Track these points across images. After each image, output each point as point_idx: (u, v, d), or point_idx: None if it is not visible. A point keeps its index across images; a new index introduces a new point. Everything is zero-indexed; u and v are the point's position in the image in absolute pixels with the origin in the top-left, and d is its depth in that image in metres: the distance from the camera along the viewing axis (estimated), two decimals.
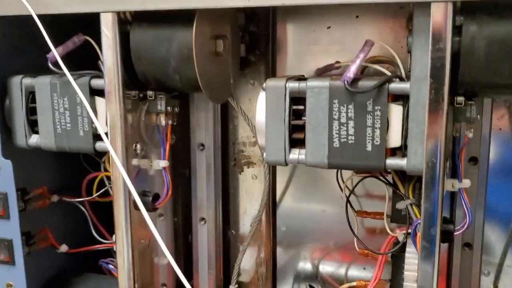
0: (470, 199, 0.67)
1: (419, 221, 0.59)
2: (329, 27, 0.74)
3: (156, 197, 0.69)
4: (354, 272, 0.82)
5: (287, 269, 0.85)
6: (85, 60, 0.67)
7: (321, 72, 0.67)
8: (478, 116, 0.55)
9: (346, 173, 0.72)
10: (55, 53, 0.61)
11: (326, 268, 0.84)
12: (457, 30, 0.51)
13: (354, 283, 0.73)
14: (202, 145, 0.77)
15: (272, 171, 0.79)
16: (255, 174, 0.80)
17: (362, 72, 0.63)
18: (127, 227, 0.65)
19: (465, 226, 0.57)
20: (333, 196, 0.79)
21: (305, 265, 0.85)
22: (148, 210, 0.68)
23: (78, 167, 0.79)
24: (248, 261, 0.84)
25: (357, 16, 0.73)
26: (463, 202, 0.58)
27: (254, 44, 0.74)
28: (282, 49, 0.77)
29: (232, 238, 0.84)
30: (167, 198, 0.69)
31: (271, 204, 0.80)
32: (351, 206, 0.73)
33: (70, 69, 0.66)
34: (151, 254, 0.75)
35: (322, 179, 0.81)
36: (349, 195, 0.69)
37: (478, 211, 0.67)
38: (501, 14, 0.49)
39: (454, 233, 0.57)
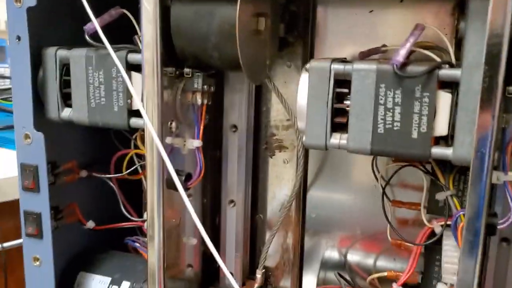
0: None
1: (461, 213, 0.58)
2: (371, 11, 0.72)
3: (189, 176, 0.68)
4: (384, 263, 0.81)
5: (314, 256, 0.84)
6: (120, 35, 0.66)
7: (365, 56, 0.65)
8: None
9: (382, 162, 0.70)
10: (96, 24, 0.59)
11: (354, 257, 0.82)
12: None
13: (385, 273, 0.71)
14: (235, 126, 0.75)
15: (304, 156, 0.77)
16: (286, 158, 0.78)
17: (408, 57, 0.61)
18: (159, 206, 0.64)
19: (510, 220, 0.56)
20: (366, 184, 0.77)
21: (333, 253, 0.83)
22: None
23: (108, 143, 0.78)
24: (274, 246, 0.83)
25: (401, 1, 0.70)
26: (508, 195, 0.56)
27: (293, 24, 0.72)
28: (321, 32, 0.75)
29: (260, 222, 0.83)
30: (200, 178, 0.68)
31: (302, 190, 0.79)
32: (386, 195, 0.71)
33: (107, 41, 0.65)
34: (179, 234, 0.74)
35: (355, 166, 0.79)
36: (386, 184, 0.67)
37: None
38: None
39: (498, 227, 0.55)
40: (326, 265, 0.83)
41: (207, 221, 0.80)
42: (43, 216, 0.72)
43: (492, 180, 0.57)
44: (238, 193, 0.77)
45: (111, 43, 0.64)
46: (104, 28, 0.64)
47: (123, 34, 0.66)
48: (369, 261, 0.81)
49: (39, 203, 0.72)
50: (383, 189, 0.67)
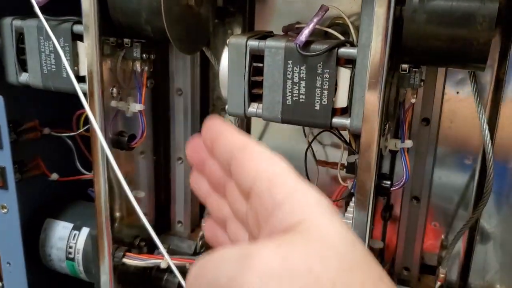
0: (421, 156, 0.72)
1: None
2: None
3: (132, 137, 0.75)
4: None
5: None
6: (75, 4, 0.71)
7: (287, 30, 0.70)
8: (422, 83, 0.58)
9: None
10: None
11: None
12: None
13: None
14: (180, 90, 0.82)
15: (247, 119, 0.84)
16: (231, 119, 0.85)
17: (326, 34, 0.67)
18: (104, 164, 0.72)
19: (402, 183, 0.63)
20: (302, 144, 0.84)
21: None
22: (124, 148, 0.75)
23: (69, 102, 0.85)
24: None
25: None
26: (402, 161, 0.63)
27: None
28: (262, 1, 0.79)
29: None
30: (142, 139, 0.75)
31: None
32: (313, 155, 0.79)
33: (58, 13, 0.71)
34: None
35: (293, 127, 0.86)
36: (308, 146, 0.74)
37: (427, 167, 0.72)
38: None
39: (391, 189, 0.62)
40: None
41: (160, 176, 0.88)
42: (7, 169, 0.80)
43: (390, 147, 0.64)
44: (185, 151, 0.84)
45: (68, 12, 0.70)
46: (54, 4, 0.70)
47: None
48: None
49: (3, 158, 0.80)
50: (306, 150, 0.74)
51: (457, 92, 0.72)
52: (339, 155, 0.80)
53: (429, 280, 0.79)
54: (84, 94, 0.75)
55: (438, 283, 0.74)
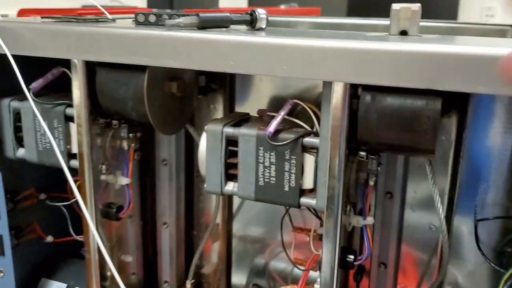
0: (386, 227, 0.78)
1: None
2: None
3: (120, 208, 0.81)
4: (299, 272, 0.94)
5: (242, 264, 0.97)
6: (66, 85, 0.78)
7: (261, 114, 0.76)
8: (379, 168, 0.65)
9: None
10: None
11: (276, 266, 0.96)
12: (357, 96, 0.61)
13: (288, 287, 0.85)
14: (165, 160, 0.88)
15: None
16: None
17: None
18: (94, 232, 0.78)
19: (364, 257, 0.68)
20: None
21: (259, 262, 0.97)
22: (112, 219, 0.81)
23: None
24: (209, 256, 0.97)
25: None
26: (365, 237, 0.68)
27: (215, 74, 0.84)
28: (242, 78, 0.86)
29: (195, 238, 0.97)
30: (129, 210, 0.81)
31: (228, 210, 0.92)
32: (290, 221, 0.84)
33: (52, 95, 0.78)
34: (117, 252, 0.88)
35: None
36: (284, 215, 0.80)
37: (392, 236, 0.78)
38: (391, 92, 0.59)
39: (355, 262, 0.68)
40: (252, 272, 0.97)
41: (147, 239, 0.94)
42: (4, 237, 0.86)
43: (354, 223, 0.70)
44: (170, 216, 0.91)
45: (57, 96, 0.77)
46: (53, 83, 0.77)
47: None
48: (288, 270, 0.95)
49: (0, 227, 0.86)
50: (282, 218, 0.80)
51: (419, 166, 0.78)
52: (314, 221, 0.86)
53: None
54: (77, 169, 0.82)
55: None
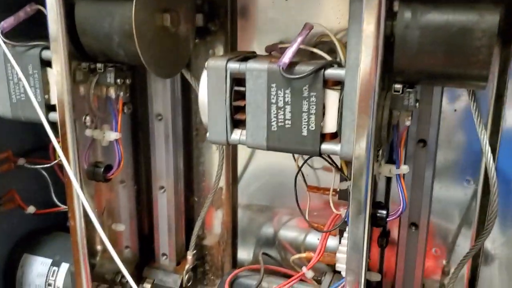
0: (417, 181, 0.67)
1: None
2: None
3: (109, 168, 0.70)
4: (313, 239, 0.84)
5: (248, 234, 0.87)
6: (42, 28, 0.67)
7: (270, 50, 0.66)
8: (417, 103, 0.54)
9: None
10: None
11: (286, 235, 0.85)
12: (392, 15, 0.50)
13: (304, 254, 0.74)
14: (160, 115, 0.77)
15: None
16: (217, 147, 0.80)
17: (312, 54, 0.62)
18: (78, 197, 0.67)
19: (399, 212, 0.58)
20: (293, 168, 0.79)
21: (266, 231, 0.86)
22: (100, 180, 0.70)
23: (45, 131, 0.80)
24: (211, 226, 0.87)
25: None
26: (398, 188, 0.58)
27: (213, 14, 0.73)
28: (244, 19, 0.75)
29: (196, 205, 0.86)
30: (119, 169, 0.70)
31: (232, 172, 0.81)
32: (304, 180, 0.74)
33: (25, 38, 0.67)
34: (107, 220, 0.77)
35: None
36: (297, 172, 0.69)
37: (426, 193, 0.67)
38: (436, 3, 0.48)
39: (388, 219, 0.57)
40: (259, 242, 0.87)
41: (141, 205, 0.83)
42: None
43: (384, 174, 0.60)
44: (168, 179, 0.80)
45: (35, 37, 0.65)
46: (26, 22, 0.66)
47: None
48: (300, 239, 0.84)
49: None
50: (296, 176, 0.69)
51: (455, 110, 0.67)
52: (331, 179, 0.76)
53: None
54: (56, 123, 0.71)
55: None
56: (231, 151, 0.80)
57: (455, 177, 0.69)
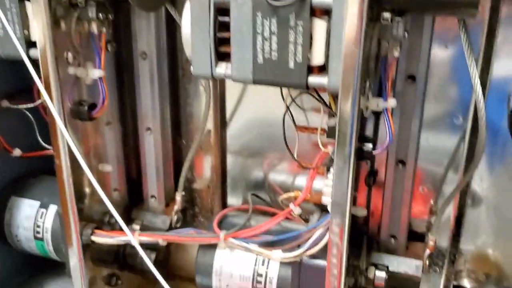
0: (405, 117, 0.67)
1: None
2: None
3: (93, 106, 0.69)
4: (302, 182, 0.84)
5: (237, 178, 0.87)
6: None
7: None
8: (406, 34, 0.52)
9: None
10: None
11: (276, 178, 0.85)
12: None
13: (292, 194, 0.74)
14: (145, 53, 0.75)
15: (221, 80, 0.78)
16: (203, 83, 0.79)
17: None
18: (63, 137, 0.66)
19: (385, 145, 0.57)
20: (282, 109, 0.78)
21: (256, 175, 0.86)
22: (84, 119, 0.69)
23: (28, 71, 0.79)
24: (201, 169, 0.87)
25: None
26: (385, 121, 0.57)
27: None
28: None
29: (184, 148, 0.85)
30: (104, 108, 0.69)
31: (220, 114, 0.80)
32: (292, 121, 0.73)
33: None
34: (94, 161, 0.76)
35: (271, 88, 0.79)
36: (286, 111, 0.69)
37: (413, 130, 0.67)
38: None
39: (373, 152, 0.57)
40: (249, 186, 0.87)
41: (128, 147, 0.82)
42: None
43: (372, 107, 0.59)
44: (154, 120, 0.79)
45: None
46: None
47: None
48: (289, 181, 0.84)
49: None
50: (284, 115, 0.68)
51: (446, 46, 0.66)
52: (320, 120, 0.75)
53: (417, 248, 0.74)
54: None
55: (427, 251, 0.70)
56: (219, 91, 0.78)
57: (444, 115, 0.69)
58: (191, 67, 0.58)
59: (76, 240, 0.73)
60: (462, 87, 0.67)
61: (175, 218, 0.80)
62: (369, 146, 0.57)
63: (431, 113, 0.69)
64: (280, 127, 0.72)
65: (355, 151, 0.55)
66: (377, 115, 0.69)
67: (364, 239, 0.74)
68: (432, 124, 0.70)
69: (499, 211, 0.74)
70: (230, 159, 0.86)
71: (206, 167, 0.86)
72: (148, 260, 0.65)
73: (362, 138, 0.57)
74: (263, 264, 0.71)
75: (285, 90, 0.71)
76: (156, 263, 0.82)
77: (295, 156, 0.73)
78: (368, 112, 0.58)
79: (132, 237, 0.68)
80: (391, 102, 0.58)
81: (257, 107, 0.81)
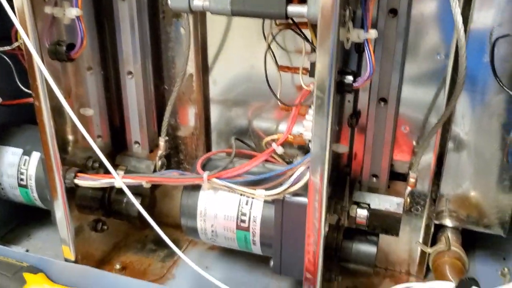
0: (387, 49, 0.66)
1: None
2: None
3: (72, 46, 0.68)
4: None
5: (222, 126, 0.86)
6: None
7: None
8: None
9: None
10: None
11: (260, 125, 0.85)
12: None
13: (275, 136, 0.74)
14: None
15: (201, 22, 0.77)
16: (183, 26, 0.78)
17: None
18: (42, 79, 0.65)
19: (366, 77, 0.57)
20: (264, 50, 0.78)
21: (241, 123, 0.86)
22: (63, 59, 0.68)
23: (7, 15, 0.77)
24: (185, 116, 0.86)
25: None
26: (366, 53, 0.57)
27: None
28: None
29: (167, 93, 0.85)
30: (82, 48, 0.68)
31: (201, 57, 0.79)
32: (275, 61, 0.72)
33: None
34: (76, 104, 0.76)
35: (253, 30, 0.78)
36: (267, 48, 0.68)
37: (395, 66, 0.66)
38: None
39: (354, 84, 0.57)
40: (232, 132, 0.86)
41: (110, 92, 0.82)
42: None
43: (353, 39, 0.58)
44: (135, 64, 0.77)
45: None
46: None
47: None
48: (273, 127, 0.84)
49: None
50: (265, 52, 0.68)
51: None
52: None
53: (399, 187, 0.75)
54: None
55: (409, 188, 0.71)
56: (200, 34, 0.77)
57: (426, 51, 0.68)
58: (168, 0, 0.58)
59: (59, 184, 0.73)
60: (444, 24, 0.67)
61: (159, 163, 0.80)
62: (349, 78, 0.56)
63: (414, 49, 0.68)
64: (263, 74, 0.71)
65: (335, 83, 0.55)
66: (359, 54, 0.68)
67: (347, 179, 0.74)
68: (415, 60, 0.69)
69: (479, 152, 0.74)
70: (214, 107, 0.85)
71: (190, 113, 0.85)
72: (135, 200, 0.66)
73: (342, 72, 0.57)
74: (247, 204, 0.71)
75: (266, 28, 0.70)
76: None
77: (278, 95, 0.73)
78: (349, 44, 0.58)
79: (118, 177, 0.68)
80: (372, 33, 0.57)
81: (240, 53, 0.80)
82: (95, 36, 0.76)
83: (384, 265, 0.86)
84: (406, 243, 0.82)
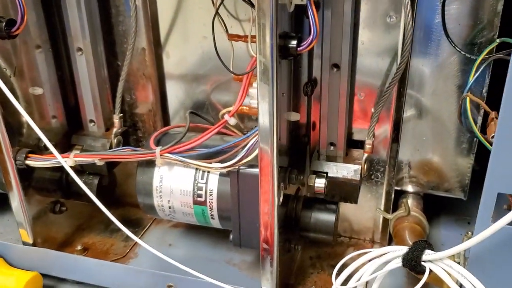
0: (337, 16, 0.65)
1: None
2: None
3: (12, 23, 0.65)
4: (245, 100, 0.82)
5: (179, 101, 0.85)
6: None
7: None
8: None
9: None
10: None
11: (218, 97, 0.83)
12: None
13: (231, 108, 0.73)
14: None
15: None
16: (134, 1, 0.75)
17: None
18: None
19: (309, 41, 0.56)
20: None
21: (198, 96, 0.84)
22: (3, 37, 0.66)
23: None
24: (142, 93, 0.84)
25: None
26: (309, 15, 0.55)
27: None
28: None
29: (120, 70, 0.82)
30: (23, 25, 0.65)
31: (152, 31, 0.77)
32: (225, 29, 0.71)
33: None
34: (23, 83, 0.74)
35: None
36: (215, 14, 0.66)
37: (345, 29, 0.65)
38: None
39: (298, 49, 0.56)
40: (189, 106, 0.84)
41: (62, 70, 0.79)
42: None
43: (295, 1, 0.57)
44: (84, 40, 0.75)
45: None
46: None
47: None
48: (231, 102, 0.82)
49: None
50: (213, 18, 0.66)
51: None
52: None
53: (357, 154, 0.74)
54: None
55: (365, 155, 0.70)
56: (149, 5, 0.75)
57: (378, 14, 0.67)
58: None
59: (10, 165, 0.71)
60: None
61: (115, 141, 0.79)
62: (293, 43, 0.55)
63: (364, 12, 0.67)
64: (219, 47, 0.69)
65: (277, 47, 0.53)
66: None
67: (306, 149, 0.73)
68: (366, 24, 0.68)
69: (436, 116, 0.74)
70: (170, 82, 0.83)
71: (146, 90, 0.83)
72: (78, 180, 0.64)
73: (284, 36, 0.55)
74: (202, 178, 0.70)
75: None
76: (100, 189, 0.81)
77: (231, 67, 0.72)
78: (292, 6, 0.56)
79: (62, 159, 0.66)
80: None
81: (190, 23, 0.78)
82: (40, 13, 0.74)
83: (349, 234, 0.86)
84: (370, 211, 0.82)
